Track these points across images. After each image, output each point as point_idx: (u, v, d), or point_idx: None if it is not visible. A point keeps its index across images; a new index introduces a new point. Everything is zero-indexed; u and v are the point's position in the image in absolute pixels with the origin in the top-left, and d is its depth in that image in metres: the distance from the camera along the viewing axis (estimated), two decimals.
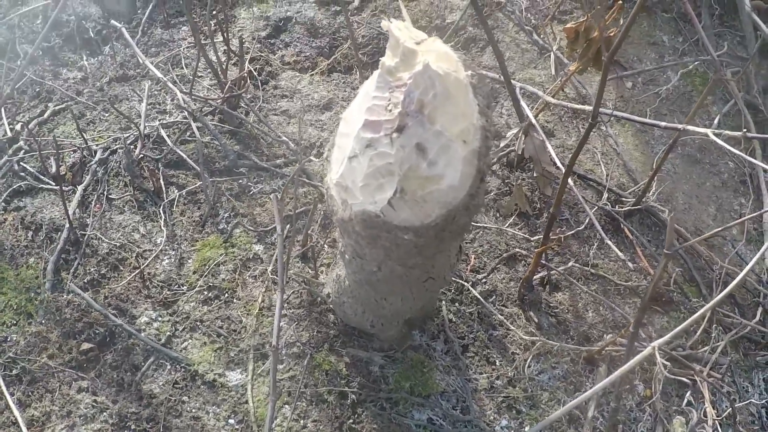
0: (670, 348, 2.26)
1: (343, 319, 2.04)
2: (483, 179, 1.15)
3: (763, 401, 2.44)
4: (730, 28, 3.25)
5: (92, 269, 2.13)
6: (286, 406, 1.93)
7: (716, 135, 1.62)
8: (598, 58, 2.13)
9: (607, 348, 2.15)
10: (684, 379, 2.07)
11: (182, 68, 2.69)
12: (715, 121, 2.58)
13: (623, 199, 2.49)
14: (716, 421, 2.10)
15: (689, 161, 2.81)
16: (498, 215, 2.40)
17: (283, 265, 1.61)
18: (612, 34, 2.04)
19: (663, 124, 1.84)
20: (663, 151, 2.66)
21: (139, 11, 2.89)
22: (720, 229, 1.52)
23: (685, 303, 2.40)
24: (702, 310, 1.38)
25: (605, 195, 2.47)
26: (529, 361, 2.11)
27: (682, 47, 3.10)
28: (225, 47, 2.52)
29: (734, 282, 1.35)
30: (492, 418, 2.02)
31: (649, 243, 2.47)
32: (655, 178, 2.57)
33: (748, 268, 1.35)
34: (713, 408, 2.16)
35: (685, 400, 2.18)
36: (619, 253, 2.05)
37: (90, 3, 2.82)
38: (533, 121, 2.29)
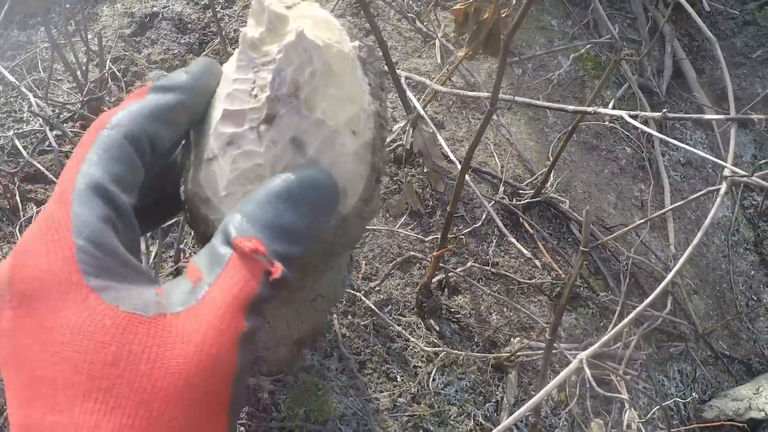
0: (581, 348, 2.15)
1: None
2: (379, 179, 0.89)
3: (680, 393, 2.36)
4: (619, 11, 3.17)
5: None
6: None
7: (632, 117, 1.48)
8: (490, 41, 1.98)
9: (517, 353, 2.00)
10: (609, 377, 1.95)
11: (40, 72, 2.40)
12: (610, 105, 2.48)
13: (521, 191, 2.36)
14: (638, 423, 2.00)
15: (585, 148, 2.71)
16: (388, 215, 2.22)
17: None
18: (506, 14, 1.89)
19: (571, 108, 1.70)
20: (562, 139, 2.55)
21: None
22: (636, 224, 1.38)
23: (593, 298, 2.28)
24: (632, 315, 1.23)
25: (501, 188, 2.32)
26: (433, 374, 1.94)
27: (572, 31, 3.00)
28: (85, 47, 2.25)
29: (661, 286, 1.21)
30: None
31: (551, 236, 2.34)
32: (552, 167, 2.45)
33: (675, 269, 1.21)
34: (631, 407, 2.06)
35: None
36: (524, 251, 1.91)
37: None
38: (422, 112, 2.12)
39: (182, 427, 0.54)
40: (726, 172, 1.38)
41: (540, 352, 2.12)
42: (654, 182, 2.68)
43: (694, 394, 2.37)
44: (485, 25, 1.96)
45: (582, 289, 2.27)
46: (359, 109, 0.83)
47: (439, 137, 2.09)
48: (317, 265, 1.01)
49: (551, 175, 2.34)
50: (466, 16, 2.01)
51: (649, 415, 2.04)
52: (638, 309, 1.29)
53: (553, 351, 2.08)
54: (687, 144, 2.75)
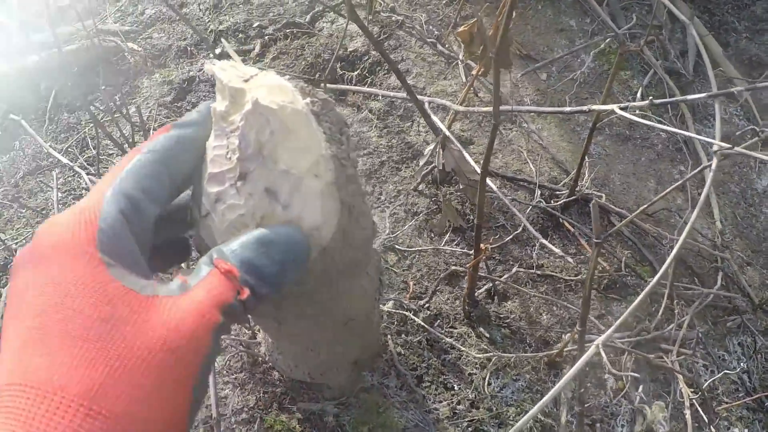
0: (635, 334, 2.20)
1: (287, 376, 1.96)
2: (351, 210, 1.04)
3: (743, 366, 2.38)
4: (635, 0, 3.21)
5: None
6: None
7: (622, 109, 1.57)
8: (500, 55, 2.08)
9: (566, 349, 2.08)
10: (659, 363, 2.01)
11: (91, 149, 2.62)
12: (638, 94, 2.53)
13: (557, 192, 2.43)
14: (693, 400, 2.04)
15: (619, 140, 2.76)
16: (432, 235, 2.33)
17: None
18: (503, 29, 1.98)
19: (568, 109, 1.79)
20: (594, 136, 2.62)
21: (43, 99, 2.82)
22: (651, 203, 1.47)
23: (641, 285, 2.33)
24: (645, 291, 1.32)
25: (537, 192, 2.40)
26: (488, 378, 2.04)
27: (590, 28, 3.05)
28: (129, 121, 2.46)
29: (674, 250, 1.29)
30: None
31: (591, 232, 2.40)
32: (587, 164, 2.52)
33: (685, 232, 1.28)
34: (689, 386, 2.10)
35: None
36: (555, 250, 1.98)
37: None
38: (447, 132, 2.23)
39: (152, 385, 0.68)
40: (714, 148, 1.45)
41: (590, 344, 2.19)
42: (692, 162, 2.70)
43: (758, 365, 2.38)
44: (492, 41, 2.06)
45: (629, 278, 2.33)
46: (318, 155, 0.98)
47: (465, 153, 2.19)
48: (319, 292, 1.16)
49: (585, 172, 2.41)
50: (471, 36, 2.11)
51: (705, 386, 2.07)
52: (652, 282, 1.36)
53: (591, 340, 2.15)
54: (722, 118, 2.77)
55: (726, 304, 2.41)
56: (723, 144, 1.44)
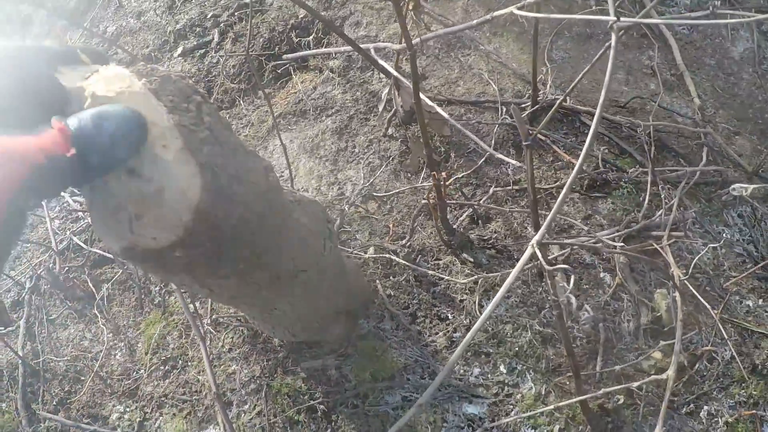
0: (624, 226, 2.19)
1: (285, 341, 2.04)
2: (215, 171, 1.10)
3: (746, 236, 2.34)
4: None
5: (56, 390, 2.19)
6: None
7: (519, 8, 1.56)
8: None
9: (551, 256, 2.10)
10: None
11: None
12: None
13: (523, 105, 2.43)
14: (682, 280, 2.01)
15: (581, 40, 2.73)
16: (408, 175, 2.36)
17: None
18: None
19: (475, 21, 1.78)
20: (554, 41, 2.60)
21: None
22: (580, 77, 1.47)
23: (623, 177, 2.32)
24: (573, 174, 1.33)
25: (501, 110, 2.40)
26: (478, 301, 2.07)
27: None
28: None
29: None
30: (462, 372, 1.99)
31: (566, 136, 2.40)
32: (552, 70, 2.50)
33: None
34: (678, 267, 2.08)
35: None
36: (511, 161, 2.00)
37: None
38: (395, 73, 2.25)
39: None
40: (611, 21, 1.45)
41: (577, 247, 2.19)
42: (661, 44, 2.65)
43: (763, 233, 2.35)
44: None
45: (610, 173, 2.31)
46: (162, 127, 1.05)
47: (410, 86, 2.20)
48: (244, 248, 1.23)
49: (548, 78, 2.41)
50: None
51: (698, 263, 2.04)
52: (581, 158, 1.37)
53: (592, 239, 2.16)
54: None
55: (717, 179, 2.37)
56: (624, 19, 1.43)
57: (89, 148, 0.94)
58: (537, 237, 1.37)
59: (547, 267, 1.49)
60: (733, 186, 1.91)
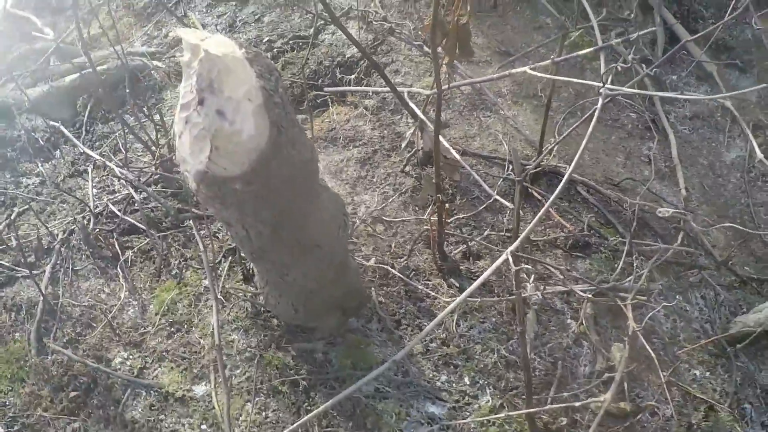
0: (597, 283, 2.46)
1: (284, 320, 2.30)
2: (280, 129, 1.44)
3: (705, 317, 2.60)
4: None
5: (69, 330, 2.41)
6: (248, 403, 2.17)
7: (532, 70, 1.86)
8: (460, 46, 2.41)
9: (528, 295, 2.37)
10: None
11: (122, 152, 3.02)
12: (608, 81, 2.81)
13: (527, 167, 2.73)
14: (635, 331, 2.25)
15: (590, 120, 3.04)
16: (416, 209, 2.66)
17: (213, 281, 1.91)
18: (467, 20, 2.30)
19: (495, 75, 2.08)
20: (567, 118, 2.91)
21: (80, 113, 3.25)
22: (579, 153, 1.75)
23: (604, 244, 2.60)
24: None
25: (508, 167, 2.71)
26: (456, 320, 2.34)
27: (566, 24, 3.37)
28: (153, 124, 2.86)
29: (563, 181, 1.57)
30: (431, 376, 2.24)
31: (561, 200, 2.69)
32: (561, 143, 2.82)
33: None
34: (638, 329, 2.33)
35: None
36: (507, 203, 2.30)
37: (36, 117, 3.19)
38: (421, 116, 2.56)
39: None
40: (602, 90, 1.76)
41: (551, 293, 2.46)
42: (660, 137, 2.97)
43: (720, 316, 2.60)
44: (452, 33, 2.39)
45: (593, 238, 2.60)
46: (250, 86, 1.41)
47: (432, 132, 2.51)
48: (270, 197, 1.56)
49: (551, 147, 2.72)
50: (433, 30, 2.45)
51: (650, 324, 2.28)
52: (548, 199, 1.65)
53: (567, 290, 2.43)
54: (692, 93, 3.04)
55: (688, 260, 2.65)
56: (611, 86, 1.75)
57: None
58: (512, 247, 1.64)
59: (514, 268, 1.76)
60: (659, 209, 2.19)
